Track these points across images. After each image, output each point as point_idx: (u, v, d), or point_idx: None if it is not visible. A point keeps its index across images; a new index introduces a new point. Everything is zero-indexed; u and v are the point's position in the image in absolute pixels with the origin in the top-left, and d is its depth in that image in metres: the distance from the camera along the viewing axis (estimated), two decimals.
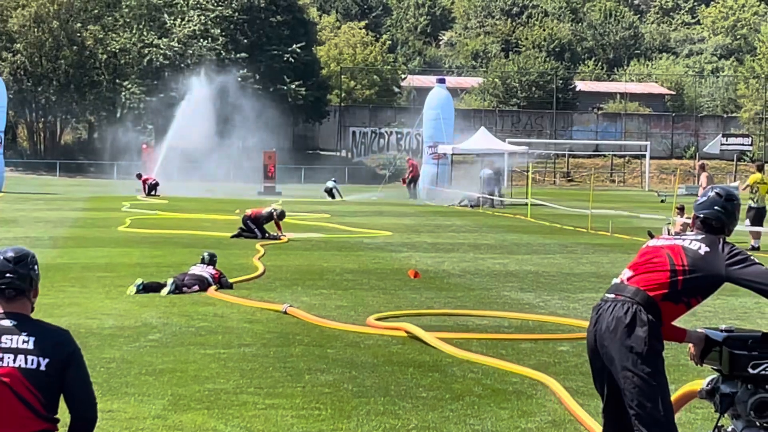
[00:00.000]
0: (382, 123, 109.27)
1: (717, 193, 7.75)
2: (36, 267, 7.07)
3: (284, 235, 33.46)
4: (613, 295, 7.46)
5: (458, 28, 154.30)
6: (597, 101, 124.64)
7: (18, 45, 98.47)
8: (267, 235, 32.61)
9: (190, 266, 22.00)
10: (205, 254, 22.00)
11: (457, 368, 13.54)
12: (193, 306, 18.56)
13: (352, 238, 35.06)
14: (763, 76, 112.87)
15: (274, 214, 33.27)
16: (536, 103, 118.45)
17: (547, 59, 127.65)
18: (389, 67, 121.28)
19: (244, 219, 33.53)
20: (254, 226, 32.80)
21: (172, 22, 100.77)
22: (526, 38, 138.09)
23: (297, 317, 17.16)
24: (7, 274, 6.86)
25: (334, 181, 68.36)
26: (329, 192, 65.27)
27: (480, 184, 58.70)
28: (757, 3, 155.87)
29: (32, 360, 6.73)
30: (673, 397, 8.26)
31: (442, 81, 75.16)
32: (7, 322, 6.79)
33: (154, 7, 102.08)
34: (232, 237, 33.27)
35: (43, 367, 6.75)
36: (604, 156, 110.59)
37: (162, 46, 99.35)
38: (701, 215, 7.64)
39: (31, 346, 6.74)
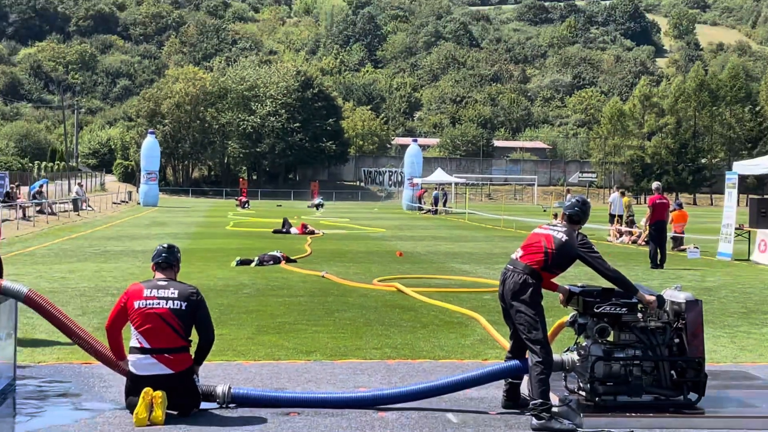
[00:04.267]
0: (380, 166, 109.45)
1: (577, 200, 7.83)
2: (179, 254, 7.58)
3: (321, 232, 33.49)
4: (512, 267, 7.49)
5: (425, 109, 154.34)
6: (506, 153, 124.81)
7: (166, 120, 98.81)
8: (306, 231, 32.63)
9: (268, 250, 22.09)
10: (278, 251, 22.15)
11: (424, 309, 13.53)
12: (269, 273, 18.55)
13: (362, 232, 35.05)
14: (603, 137, 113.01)
15: (308, 229, 33.12)
16: (471, 153, 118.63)
17: (477, 128, 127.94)
18: (384, 132, 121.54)
19: (287, 227, 33.43)
20: (297, 233, 32.60)
21: (256, 106, 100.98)
22: (465, 115, 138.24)
23: (330, 279, 17.18)
24: (163, 254, 7.34)
25: (321, 198, 67.63)
26: (316, 206, 62.65)
27: (432, 199, 59.94)
28: (599, 94, 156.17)
29: (177, 303, 6.98)
30: (554, 326, 8.28)
31: (415, 140, 75.38)
32: (162, 281, 7.19)
33: (245, 97, 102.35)
34: (273, 232, 33.17)
35: (183, 308, 6.98)
36: (510, 184, 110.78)
37: (250, 120, 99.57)
38: (567, 213, 7.70)
39: (176, 295, 7.01)
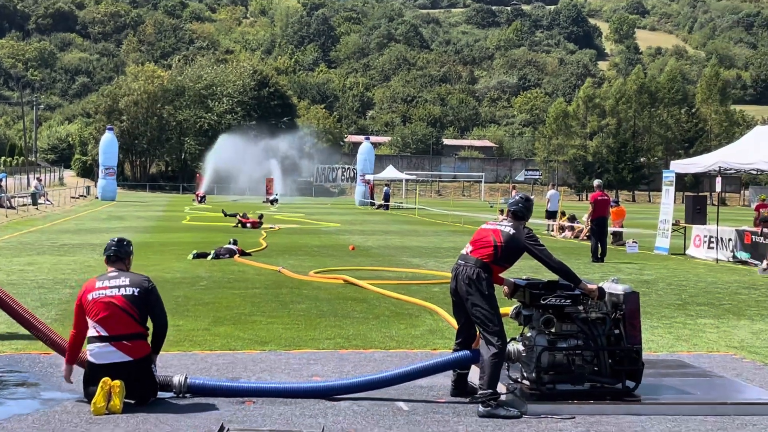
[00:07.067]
0: (334, 162, 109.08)
1: (520, 197, 7.82)
2: (129, 247, 7.62)
3: (277, 226, 33.41)
4: (463, 262, 7.47)
5: (377, 108, 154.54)
6: (455, 151, 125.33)
7: (124, 116, 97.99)
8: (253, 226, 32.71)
9: (224, 244, 21.96)
10: (231, 239, 22.07)
11: (376, 300, 13.54)
12: (226, 266, 18.45)
13: (316, 227, 34.99)
14: (547, 137, 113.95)
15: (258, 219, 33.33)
16: (421, 151, 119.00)
17: (427, 126, 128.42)
18: (338, 130, 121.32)
19: (242, 222, 33.36)
20: (250, 227, 32.62)
21: (213, 104, 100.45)
22: (415, 114, 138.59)
23: (285, 274, 17.09)
24: (113, 247, 7.46)
25: (277, 194, 67.16)
26: (271, 201, 62.03)
27: (382, 195, 60.31)
28: (544, 95, 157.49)
29: (130, 290, 7.12)
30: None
31: (368, 138, 75.34)
32: (113, 273, 7.30)
33: (202, 95, 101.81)
34: (234, 225, 33.54)
35: (135, 293, 7.11)
36: (459, 181, 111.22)
37: (207, 118, 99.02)
38: (511, 209, 7.70)
39: (127, 282, 7.21)
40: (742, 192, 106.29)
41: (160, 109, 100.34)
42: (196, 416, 6.82)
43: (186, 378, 7.34)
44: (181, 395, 7.31)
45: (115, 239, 7.63)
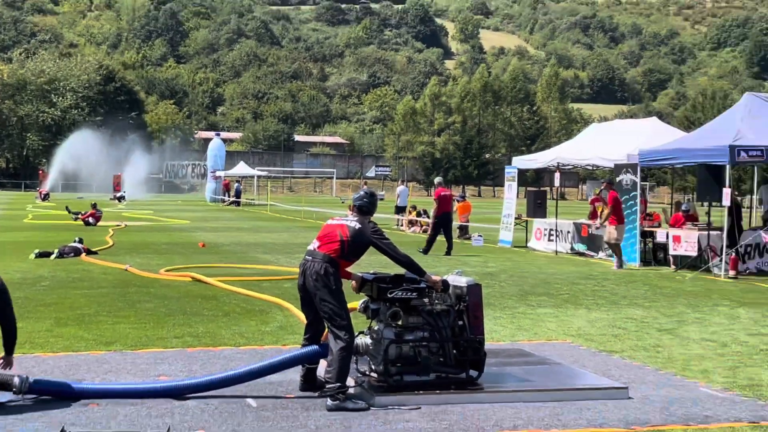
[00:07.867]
0: (183, 159, 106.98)
1: (365, 192, 7.89)
2: None
3: (124, 224, 32.56)
4: (311, 257, 7.46)
5: (228, 104, 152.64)
6: (307, 147, 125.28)
7: None
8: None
9: (69, 242, 21.19)
10: (77, 238, 21.34)
11: (226, 297, 13.38)
12: (70, 265, 17.83)
13: (165, 224, 34.29)
14: (396, 133, 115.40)
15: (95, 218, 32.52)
16: (272, 147, 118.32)
17: (278, 123, 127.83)
18: (187, 126, 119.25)
19: (83, 220, 32.45)
20: (93, 222, 31.78)
21: (57, 99, 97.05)
22: (267, 111, 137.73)
23: (133, 272, 16.67)
24: None
25: (124, 191, 65.34)
26: (118, 198, 59.89)
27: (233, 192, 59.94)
28: (393, 93, 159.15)
29: None
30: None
31: (218, 134, 74.57)
32: None
33: (45, 90, 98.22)
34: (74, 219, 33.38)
35: None
36: (311, 178, 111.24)
37: (50, 113, 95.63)
38: (356, 204, 7.74)
39: None
40: (580, 186, 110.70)
41: (0, 104, 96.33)
42: (36, 418, 6.57)
43: (27, 378, 7.06)
44: (21, 396, 7.02)
45: None
